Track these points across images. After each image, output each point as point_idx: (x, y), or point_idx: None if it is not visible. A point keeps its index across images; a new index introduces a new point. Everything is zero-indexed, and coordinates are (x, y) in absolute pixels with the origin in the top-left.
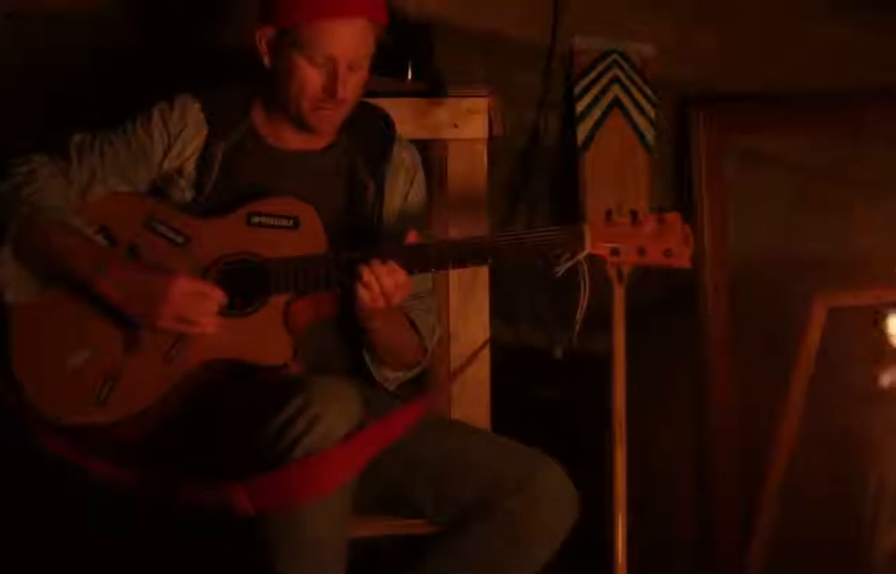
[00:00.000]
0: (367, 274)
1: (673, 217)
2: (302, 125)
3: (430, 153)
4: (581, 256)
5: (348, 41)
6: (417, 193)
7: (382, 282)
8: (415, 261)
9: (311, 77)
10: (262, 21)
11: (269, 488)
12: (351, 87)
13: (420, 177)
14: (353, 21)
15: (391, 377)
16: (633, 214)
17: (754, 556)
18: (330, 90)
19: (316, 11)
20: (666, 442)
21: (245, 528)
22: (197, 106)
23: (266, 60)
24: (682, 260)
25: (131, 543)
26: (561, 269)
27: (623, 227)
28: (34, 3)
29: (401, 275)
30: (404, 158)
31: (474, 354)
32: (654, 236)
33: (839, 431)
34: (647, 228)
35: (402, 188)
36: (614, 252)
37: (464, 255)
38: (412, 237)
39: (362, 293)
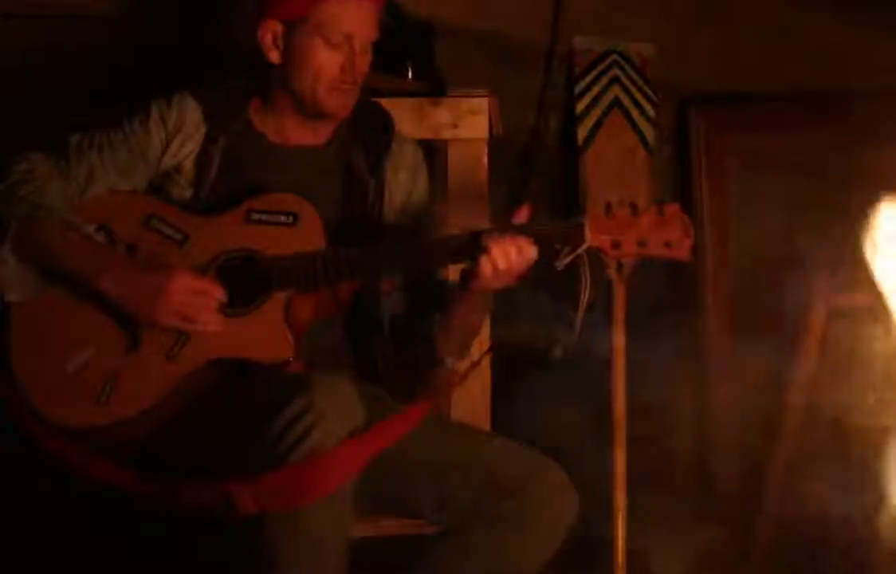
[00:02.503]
0: (490, 244)
1: (673, 208)
2: (318, 114)
3: (431, 153)
4: (582, 250)
5: (364, 19)
6: (421, 189)
7: (509, 252)
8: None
9: (329, 59)
10: (267, 16)
11: (272, 488)
12: (363, 69)
13: (423, 172)
14: (367, 2)
15: (449, 362)
16: (633, 207)
17: (755, 555)
18: (348, 69)
19: None
20: (666, 441)
21: (246, 528)
22: (195, 103)
23: (273, 56)
24: (683, 251)
25: (131, 543)
26: (562, 263)
27: (623, 219)
28: (34, 4)
29: (526, 244)
30: (405, 153)
31: (477, 362)
32: (655, 228)
33: (839, 431)
34: (647, 220)
35: (405, 183)
36: (615, 244)
37: (460, 249)
38: (524, 213)
39: (485, 266)
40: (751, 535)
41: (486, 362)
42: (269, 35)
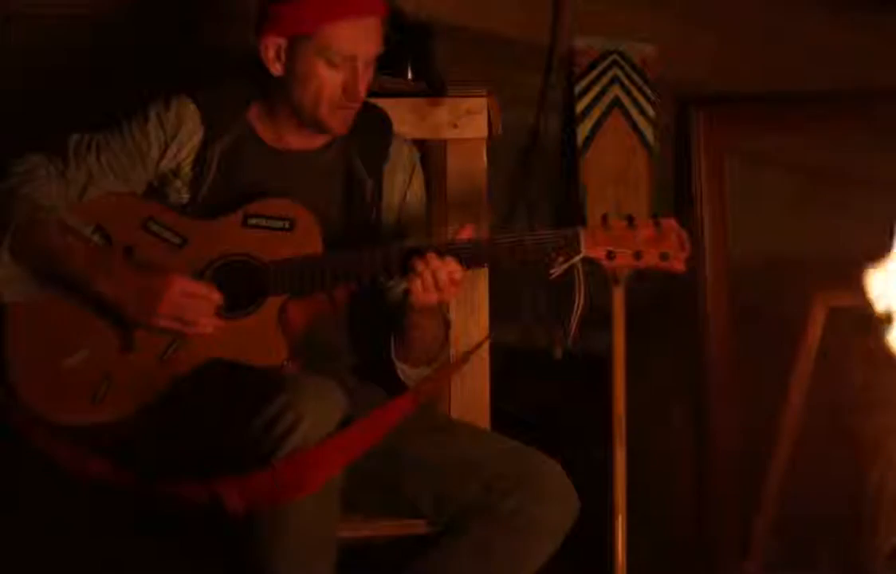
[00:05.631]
0: (421, 266)
1: (669, 222)
2: (318, 129)
3: (430, 153)
4: (576, 260)
5: (367, 40)
6: (417, 190)
7: (438, 275)
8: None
9: (331, 80)
10: (269, 31)
11: (257, 486)
12: (365, 85)
13: (419, 173)
14: (370, 20)
15: (414, 374)
16: (630, 219)
17: (754, 556)
18: (350, 90)
19: (337, 14)
20: (666, 443)
21: (235, 527)
22: (193, 106)
23: (276, 68)
24: (678, 264)
25: (126, 543)
26: (556, 272)
27: (619, 230)
28: (34, 4)
29: (456, 269)
30: (402, 155)
31: (470, 352)
32: (651, 240)
33: (839, 432)
34: (644, 232)
35: (401, 185)
36: (610, 255)
37: (464, 258)
38: (468, 232)
39: (416, 286)
40: (751, 536)
41: (485, 362)
42: (272, 49)
